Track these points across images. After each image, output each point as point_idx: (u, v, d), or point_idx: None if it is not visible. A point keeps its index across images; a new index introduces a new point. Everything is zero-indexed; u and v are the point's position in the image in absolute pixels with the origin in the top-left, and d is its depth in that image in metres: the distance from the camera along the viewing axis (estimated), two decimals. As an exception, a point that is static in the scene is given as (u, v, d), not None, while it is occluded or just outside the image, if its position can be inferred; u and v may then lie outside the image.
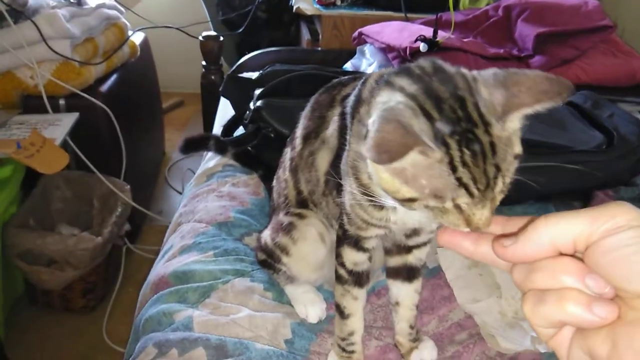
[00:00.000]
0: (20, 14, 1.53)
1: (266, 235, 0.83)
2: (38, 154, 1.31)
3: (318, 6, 1.84)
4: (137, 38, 2.11)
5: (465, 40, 1.48)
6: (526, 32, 1.46)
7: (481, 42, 1.51)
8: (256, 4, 2.13)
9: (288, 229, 0.78)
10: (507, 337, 0.76)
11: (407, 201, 0.53)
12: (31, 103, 1.61)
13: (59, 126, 1.52)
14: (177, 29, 2.08)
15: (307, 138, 0.76)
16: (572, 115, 1.18)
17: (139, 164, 2.09)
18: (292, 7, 1.92)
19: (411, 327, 0.77)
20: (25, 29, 1.53)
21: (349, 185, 0.63)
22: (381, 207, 0.61)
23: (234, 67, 1.63)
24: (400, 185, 0.51)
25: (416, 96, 0.52)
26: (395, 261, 0.75)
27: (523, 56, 1.46)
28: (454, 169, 0.49)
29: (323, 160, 0.72)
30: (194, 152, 1.20)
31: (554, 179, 1.05)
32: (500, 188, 0.52)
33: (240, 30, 2.14)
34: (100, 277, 1.70)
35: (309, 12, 1.82)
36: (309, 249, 0.77)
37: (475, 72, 0.55)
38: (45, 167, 1.32)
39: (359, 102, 0.61)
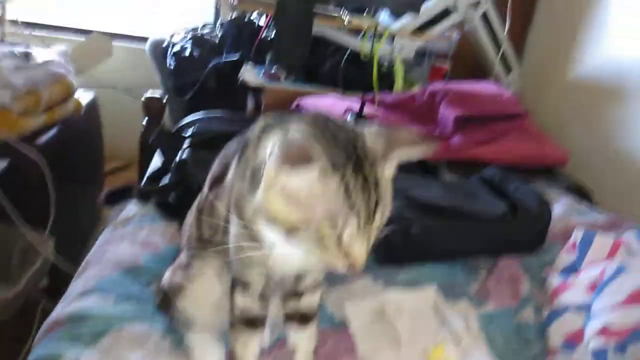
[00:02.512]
0: (-39, 61, 1.55)
1: (165, 276, 0.82)
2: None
3: (263, 79, 1.94)
4: (85, 98, 2.14)
5: (390, 118, 1.60)
6: (447, 114, 1.59)
7: (406, 120, 1.63)
8: (205, 74, 2.22)
9: (186, 266, 0.78)
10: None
11: (293, 226, 0.55)
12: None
13: (-16, 172, 1.49)
14: (124, 89, 2.13)
15: (213, 183, 0.78)
16: (482, 188, 1.27)
17: (72, 223, 2.03)
18: (238, 80, 2.02)
19: (308, 376, 0.77)
20: (-35, 75, 1.54)
21: (233, 225, 0.65)
22: (260, 247, 0.63)
23: (176, 127, 1.67)
24: (291, 211, 0.55)
25: (314, 129, 0.58)
26: (289, 307, 0.76)
27: (443, 136, 1.57)
28: (348, 195, 0.54)
29: (223, 206, 0.74)
30: (117, 203, 1.20)
31: (463, 242, 1.11)
32: (378, 224, 0.57)
33: (188, 96, 2.21)
34: (7, 335, 1.58)
35: (253, 84, 1.92)
36: (205, 286, 0.77)
37: (359, 127, 0.63)
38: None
39: (245, 144, 0.65)
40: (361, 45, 1.82)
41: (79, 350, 0.76)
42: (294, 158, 0.52)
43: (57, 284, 1.88)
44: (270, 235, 0.61)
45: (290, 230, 0.56)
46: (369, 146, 0.59)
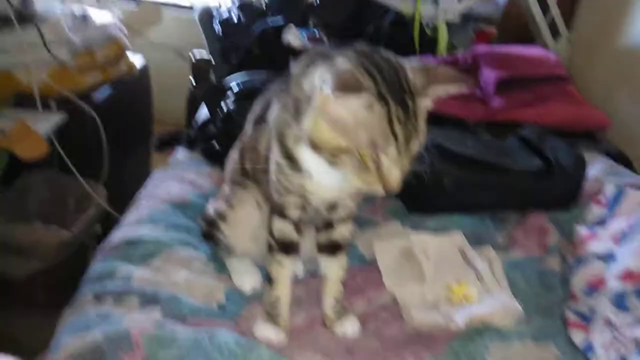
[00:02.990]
0: (27, 18, 1.66)
1: (209, 206, 0.90)
2: (19, 140, 1.38)
3: (306, 42, 1.98)
4: (136, 62, 2.24)
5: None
6: (489, 76, 1.58)
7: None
8: (251, 40, 2.28)
9: (228, 196, 0.85)
10: (424, 314, 0.81)
11: (338, 151, 0.60)
12: (24, 101, 1.70)
13: (45, 122, 1.61)
14: (174, 49, 2.22)
15: (256, 122, 0.84)
16: (518, 145, 1.28)
17: (123, 177, 2.16)
18: (283, 45, 2.06)
19: (336, 301, 0.83)
20: (29, 32, 1.66)
21: (274, 151, 0.71)
22: (299, 173, 0.69)
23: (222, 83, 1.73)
24: (338, 136, 0.61)
25: (362, 62, 0.62)
26: (322, 237, 0.82)
27: (484, 98, 1.57)
28: (391, 124, 0.59)
29: (264, 140, 0.79)
30: (167, 149, 1.28)
31: (494, 194, 1.13)
32: (414, 150, 0.62)
33: (234, 62, 2.28)
34: (60, 276, 1.72)
35: (296, 45, 1.96)
36: (245, 213, 0.84)
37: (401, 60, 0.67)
38: (24, 152, 1.39)
39: (288, 78, 0.71)
40: (403, 4, 1.82)
41: (132, 267, 0.85)
42: (345, 87, 0.57)
43: (108, 232, 2.02)
44: (310, 161, 0.67)
45: (334, 155, 0.62)
46: (410, 79, 0.63)
